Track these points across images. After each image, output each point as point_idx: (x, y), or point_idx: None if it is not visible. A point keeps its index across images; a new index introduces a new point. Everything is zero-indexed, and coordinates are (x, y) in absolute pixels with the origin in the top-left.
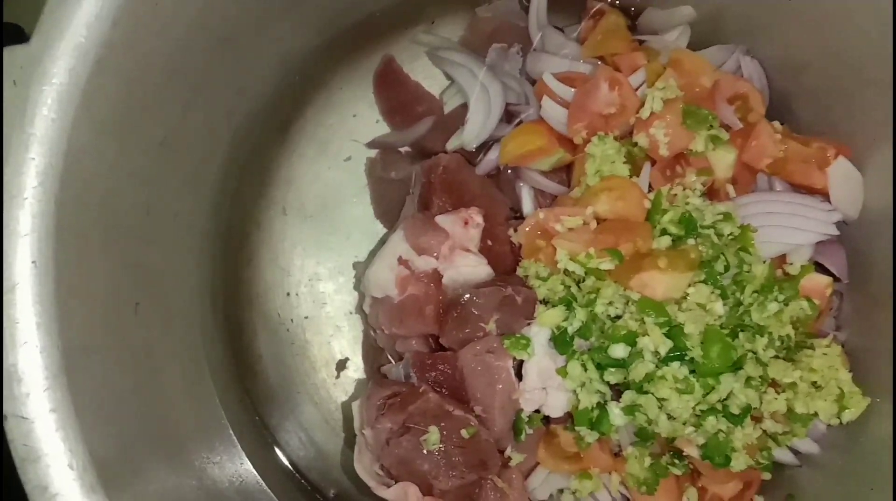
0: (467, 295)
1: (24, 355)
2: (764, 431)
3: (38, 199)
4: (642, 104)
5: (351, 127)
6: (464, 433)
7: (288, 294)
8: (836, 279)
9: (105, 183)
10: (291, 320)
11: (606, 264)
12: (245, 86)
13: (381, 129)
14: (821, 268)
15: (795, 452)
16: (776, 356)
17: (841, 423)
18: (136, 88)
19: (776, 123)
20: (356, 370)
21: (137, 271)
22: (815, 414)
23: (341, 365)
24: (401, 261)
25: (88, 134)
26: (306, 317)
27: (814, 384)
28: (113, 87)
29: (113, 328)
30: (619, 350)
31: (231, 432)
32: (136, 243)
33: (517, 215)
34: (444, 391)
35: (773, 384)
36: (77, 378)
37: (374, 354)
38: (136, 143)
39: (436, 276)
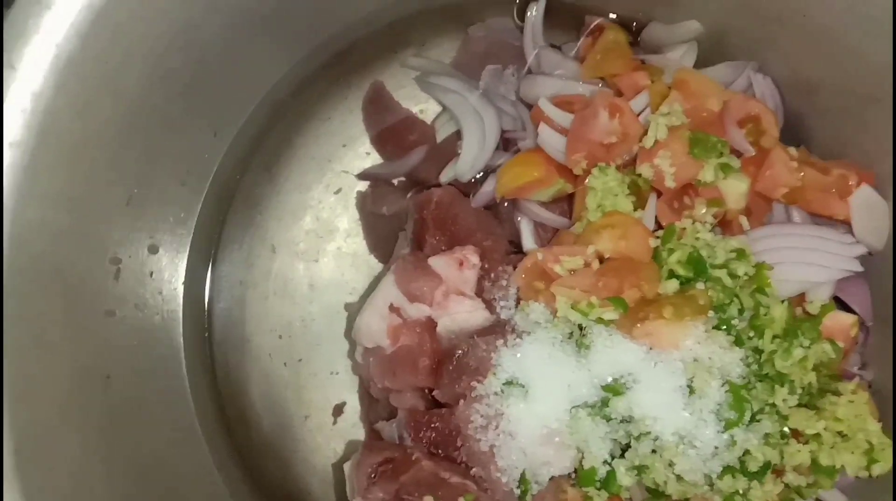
0: (463, 346)
1: None
2: (786, 484)
3: None
4: (645, 131)
5: (340, 158)
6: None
7: (280, 336)
8: (860, 316)
9: (60, 257)
10: (284, 363)
11: (610, 315)
12: (221, 128)
13: (373, 159)
14: (842, 303)
15: None
16: (798, 404)
17: (871, 476)
18: (88, 152)
19: (792, 149)
20: (354, 414)
21: (107, 340)
22: (842, 467)
23: (338, 410)
24: (392, 309)
25: (36, 209)
26: (300, 359)
27: (839, 434)
28: (62, 155)
29: (77, 409)
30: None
31: (227, 490)
32: (105, 311)
33: (517, 250)
34: (439, 452)
35: (796, 434)
36: (33, 476)
37: (369, 401)
38: (95, 209)
39: (429, 324)
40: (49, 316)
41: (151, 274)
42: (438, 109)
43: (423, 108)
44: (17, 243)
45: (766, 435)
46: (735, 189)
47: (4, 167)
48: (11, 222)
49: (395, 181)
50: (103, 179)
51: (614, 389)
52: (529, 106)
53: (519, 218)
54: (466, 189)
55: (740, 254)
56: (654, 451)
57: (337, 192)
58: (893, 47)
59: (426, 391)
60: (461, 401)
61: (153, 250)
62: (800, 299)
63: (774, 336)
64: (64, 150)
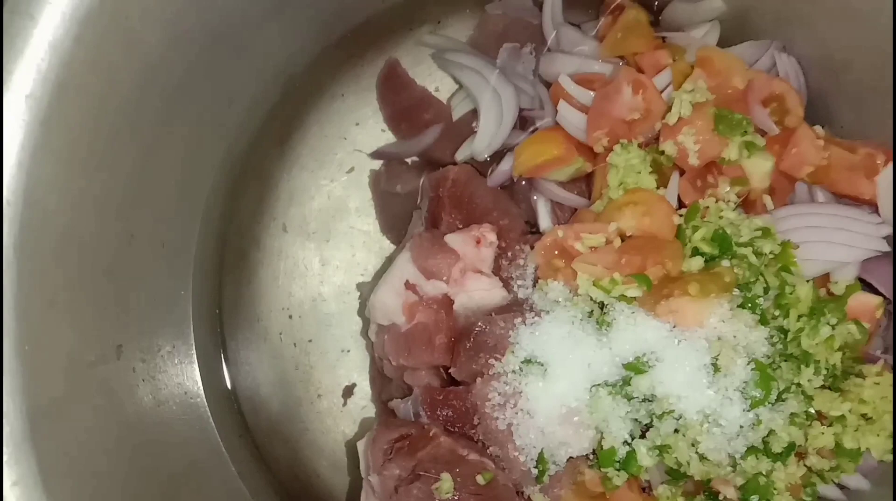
0: (480, 323)
1: None
2: (809, 467)
3: None
4: (669, 108)
5: (354, 136)
6: (479, 479)
7: (290, 316)
8: (885, 298)
9: (74, 219)
10: (294, 344)
11: (633, 291)
12: (235, 98)
13: (386, 138)
14: (867, 285)
15: (842, 487)
16: (822, 386)
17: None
18: (103, 111)
19: (818, 128)
20: (364, 396)
21: (120, 309)
22: (867, 450)
23: (348, 392)
24: (408, 285)
25: (50, 166)
26: (310, 340)
27: (864, 416)
28: (77, 112)
29: (90, 377)
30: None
31: (234, 470)
32: (118, 278)
33: (533, 230)
34: (456, 430)
35: (820, 416)
36: (45, 442)
37: (381, 381)
38: (109, 171)
39: (446, 302)
40: (60, 277)
41: (163, 245)
42: (454, 87)
43: (439, 86)
44: (30, 198)
45: (792, 415)
46: (759, 168)
47: (21, 121)
48: (25, 179)
49: (409, 160)
50: (119, 141)
51: (636, 367)
52: (548, 85)
53: (535, 197)
54: (482, 169)
55: (765, 232)
56: (676, 430)
57: (349, 171)
58: None
59: (441, 369)
60: (478, 379)
61: (163, 221)
62: (824, 279)
63: (800, 315)
64: (80, 106)
